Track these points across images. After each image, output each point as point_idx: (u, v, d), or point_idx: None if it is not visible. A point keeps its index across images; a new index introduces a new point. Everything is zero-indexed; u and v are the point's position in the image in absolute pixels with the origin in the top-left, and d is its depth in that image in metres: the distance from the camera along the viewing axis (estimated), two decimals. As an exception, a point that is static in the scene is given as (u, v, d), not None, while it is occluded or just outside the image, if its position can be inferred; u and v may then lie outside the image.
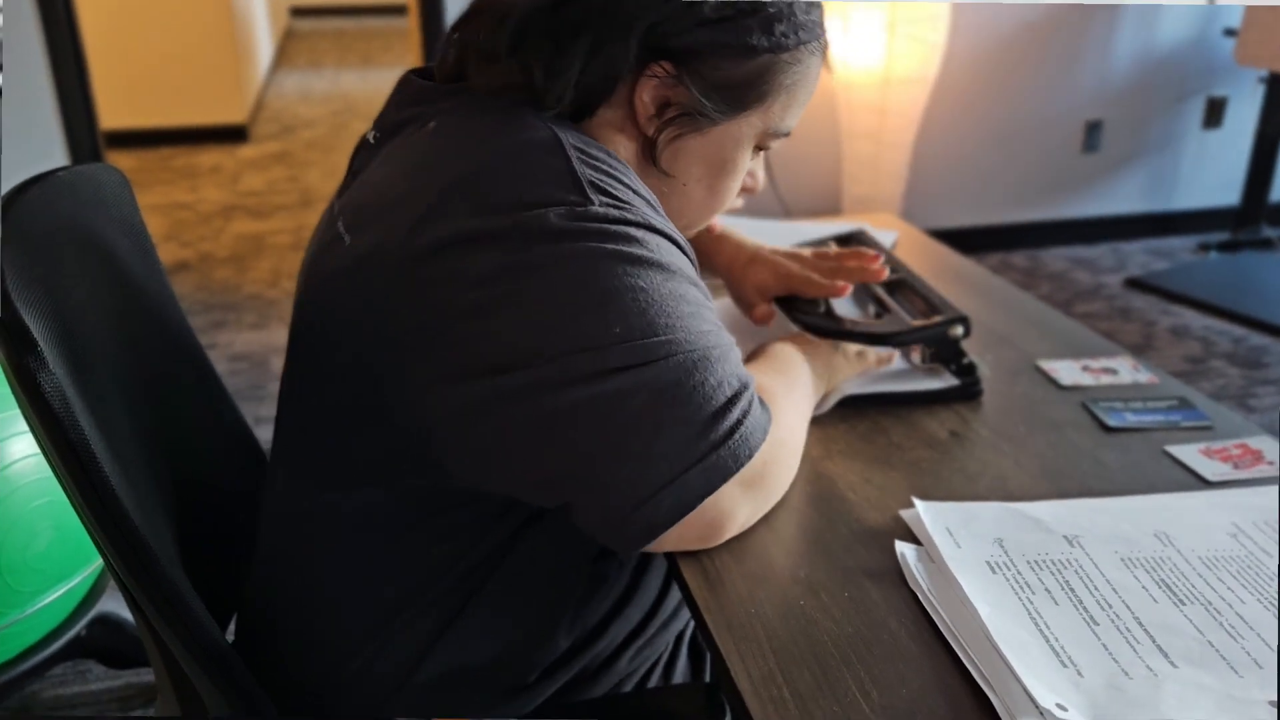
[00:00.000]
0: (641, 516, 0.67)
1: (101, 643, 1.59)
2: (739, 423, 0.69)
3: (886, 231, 1.55)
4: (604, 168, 0.71)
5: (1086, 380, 1.06)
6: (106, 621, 1.59)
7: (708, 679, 0.97)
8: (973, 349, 1.08)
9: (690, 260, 0.75)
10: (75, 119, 2.84)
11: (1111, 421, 0.97)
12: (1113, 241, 3.93)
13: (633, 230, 0.69)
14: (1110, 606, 0.70)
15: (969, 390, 1.02)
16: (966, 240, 3.61)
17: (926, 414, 0.99)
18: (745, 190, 0.89)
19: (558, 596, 0.80)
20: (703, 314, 0.71)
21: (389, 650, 0.77)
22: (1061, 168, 3.79)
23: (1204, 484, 0.87)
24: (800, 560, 0.76)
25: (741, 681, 0.64)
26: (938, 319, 1.01)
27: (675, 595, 0.91)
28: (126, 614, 1.59)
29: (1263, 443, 0.92)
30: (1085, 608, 0.69)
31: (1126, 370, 1.08)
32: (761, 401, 0.73)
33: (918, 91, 3.20)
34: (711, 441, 0.67)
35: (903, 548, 0.77)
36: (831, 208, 3.52)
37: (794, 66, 0.79)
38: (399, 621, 0.77)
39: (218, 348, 2.97)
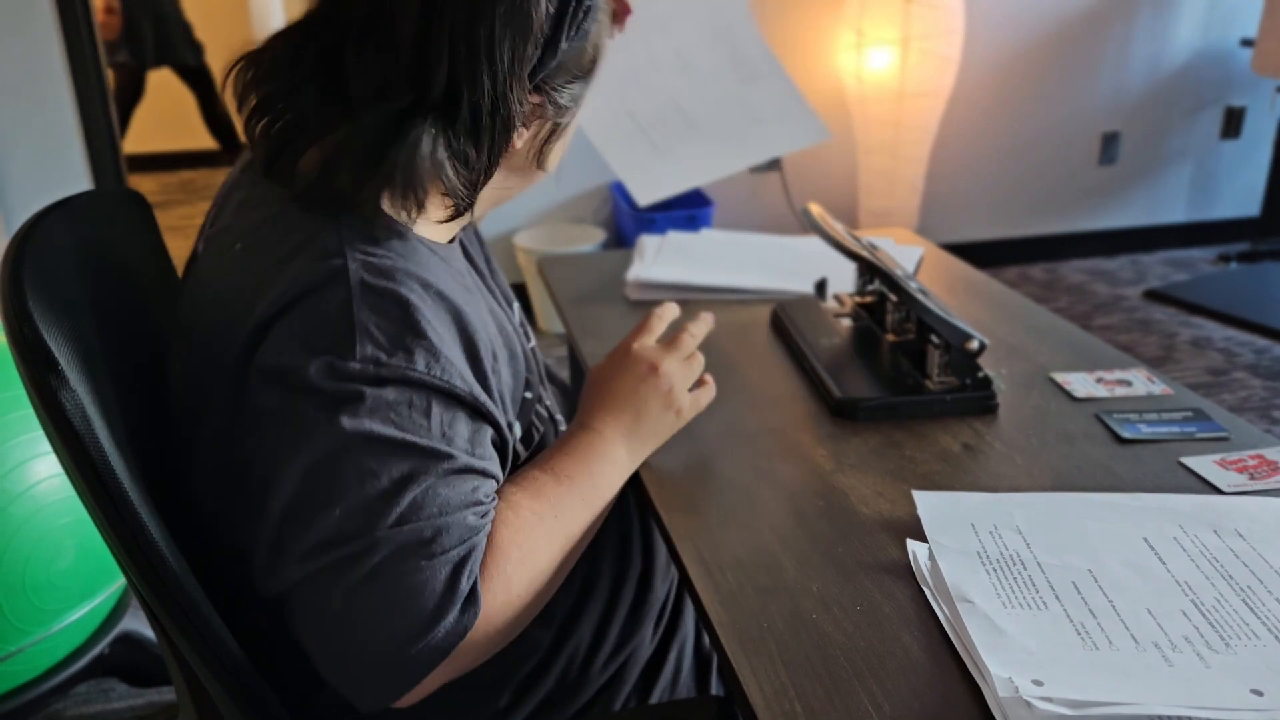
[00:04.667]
0: (353, 693, 0.69)
1: (124, 661, 1.61)
2: (435, 640, 0.67)
3: (911, 248, 1.55)
4: (387, 303, 0.70)
5: (1100, 392, 1.05)
6: (129, 640, 1.60)
7: (713, 691, 0.97)
8: (988, 362, 1.08)
9: (479, 350, 0.74)
10: (98, 143, 2.88)
11: (1125, 433, 0.96)
12: (1131, 253, 3.91)
13: (382, 394, 0.68)
14: (1094, 596, 0.70)
15: (984, 403, 1.02)
16: (984, 253, 3.60)
17: (940, 427, 0.99)
18: None
19: None
20: (429, 505, 0.68)
21: None
22: (1079, 180, 3.78)
23: (1218, 495, 0.86)
24: (812, 574, 0.77)
25: (753, 695, 0.64)
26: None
27: (629, 593, 0.91)
28: (149, 632, 1.60)
29: None
30: (1060, 596, 0.69)
31: (1141, 382, 1.07)
32: (470, 601, 0.68)
33: (932, 105, 3.20)
34: (407, 661, 0.67)
35: (914, 546, 0.78)
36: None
37: (602, 12, 0.80)
38: None
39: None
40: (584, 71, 0.80)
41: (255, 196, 0.79)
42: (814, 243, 1.48)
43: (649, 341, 0.91)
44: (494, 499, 0.73)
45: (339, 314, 0.69)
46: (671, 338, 0.91)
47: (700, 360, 0.93)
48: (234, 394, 0.72)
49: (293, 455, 0.67)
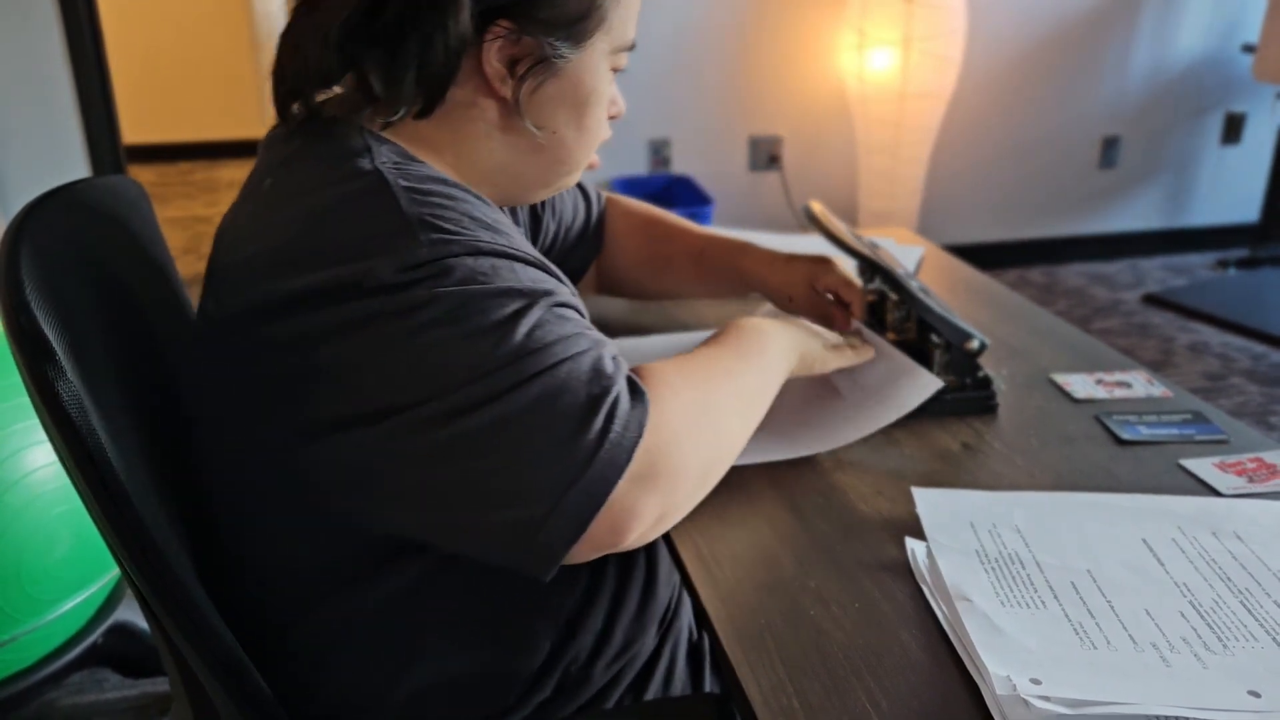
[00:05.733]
0: (539, 546, 0.65)
1: (118, 651, 1.60)
2: (605, 430, 0.65)
3: (912, 247, 1.55)
4: (434, 199, 0.70)
5: (1100, 393, 1.05)
6: (123, 630, 1.60)
7: (706, 689, 0.97)
8: (988, 363, 1.08)
9: (539, 267, 0.74)
10: (97, 133, 2.87)
11: (1125, 434, 0.96)
12: (1130, 258, 3.92)
13: (462, 262, 0.67)
14: (1093, 596, 0.70)
15: (984, 403, 1.02)
16: (983, 256, 3.60)
17: (939, 427, 0.99)
18: (612, 118, 0.88)
19: (524, 604, 0.80)
20: (548, 326, 0.67)
21: (365, 669, 0.78)
22: (1079, 183, 3.78)
23: (1217, 497, 0.86)
24: (811, 571, 0.77)
25: (751, 692, 0.64)
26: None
27: (634, 597, 0.89)
28: (143, 623, 1.60)
29: (1279, 457, 0.92)
30: (1059, 596, 0.69)
31: (1140, 384, 1.07)
32: (634, 392, 0.68)
33: (934, 106, 3.20)
34: (581, 459, 0.65)
35: (913, 544, 0.78)
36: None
37: None
38: (364, 645, 0.78)
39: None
40: (574, 21, 0.77)
41: (278, 137, 0.82)
42: (814, 241, 1.48)
43: None
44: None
45: (388, 214, 0.68)
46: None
47: (848, 352, 1.00)
48: (278, 326, 0.69)
49: (384, 351, 0.65)
